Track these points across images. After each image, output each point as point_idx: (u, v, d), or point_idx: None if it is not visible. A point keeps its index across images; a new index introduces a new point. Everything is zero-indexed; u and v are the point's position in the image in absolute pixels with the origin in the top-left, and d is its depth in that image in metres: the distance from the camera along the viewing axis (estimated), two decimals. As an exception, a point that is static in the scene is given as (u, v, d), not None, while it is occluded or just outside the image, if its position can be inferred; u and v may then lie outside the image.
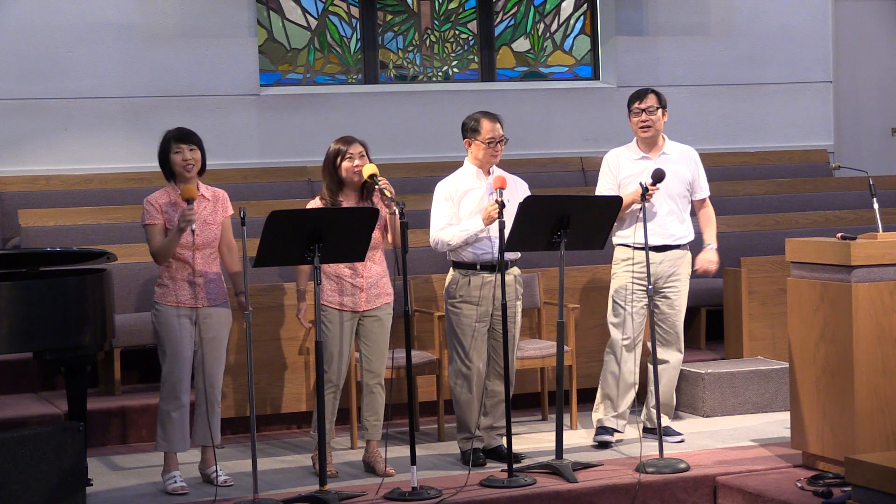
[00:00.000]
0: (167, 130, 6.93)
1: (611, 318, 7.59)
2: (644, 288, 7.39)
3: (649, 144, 7.58)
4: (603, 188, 7.61)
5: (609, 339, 7.61)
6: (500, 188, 6.95)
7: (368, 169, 6.86)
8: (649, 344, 7.37)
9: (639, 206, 7.21)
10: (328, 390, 6.86)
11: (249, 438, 6.58)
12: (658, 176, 7.28)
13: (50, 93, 10.86)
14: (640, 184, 7.23)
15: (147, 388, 8.42)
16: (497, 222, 6.84)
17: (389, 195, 6.72)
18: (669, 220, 7.51)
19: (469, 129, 7.24)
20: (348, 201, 6.99)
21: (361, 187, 7.01)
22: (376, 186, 6.81)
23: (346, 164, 6.97)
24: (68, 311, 6.54)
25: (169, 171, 6.86)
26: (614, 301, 7.57)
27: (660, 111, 7.54)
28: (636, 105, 7.55)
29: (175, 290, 6.77)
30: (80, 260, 7.26)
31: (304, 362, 8.08)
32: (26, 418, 7.74)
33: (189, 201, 6.66)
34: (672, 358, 7.62)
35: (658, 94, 7.59)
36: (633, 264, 7.44)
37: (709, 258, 7.69)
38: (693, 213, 7.76)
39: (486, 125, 7.19)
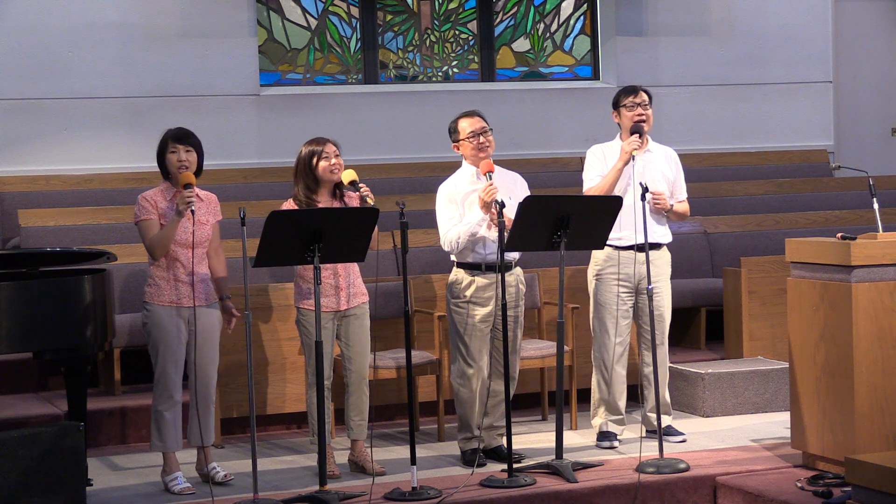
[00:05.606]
0: (168, 129, 6.93)
1: (596, 323, 7.56)
2: (629, 291, 7.42)
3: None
4: (594, 173, 7.51)
5: (595, 344, 7.59)
6: (489, 172, 6.99)
7: (348, 175, 6.92)
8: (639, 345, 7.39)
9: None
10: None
11: (249, 438, 6.59)
12: (638, 130, 7.37)
13: (50, 93, 10.86)
14: (641, 183, 7.24)
15: (147, 388, 8.34)
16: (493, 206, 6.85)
17: (371, 203, 6.75)
18: (653, 219, 7.47)
19: (452, 133, 7.29)
20: (323, 201, 7.00)
21: (334, 187, 7.05)
22: (357, 193, 6.85)
23: (322, 163, 7.01)
24: (68, 311, 6.54)
25: (165, 169, 6.87)
26: (600, 305, 7.52)
27: (650, 108, 7.55)
28: (630, 99, 7.52)
29: (168, 290, 6.76)
30: (80, 260, 7.27)
31: (303, 362, 8.06)
32: (26, 418, 7.73)
33: (186, 186, 6.66)
34: (661, 356, 7.57)
35: (648, 92, 7.60)
36: (617, 265, 7.42)
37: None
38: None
39: (463, 123, 7.24)
